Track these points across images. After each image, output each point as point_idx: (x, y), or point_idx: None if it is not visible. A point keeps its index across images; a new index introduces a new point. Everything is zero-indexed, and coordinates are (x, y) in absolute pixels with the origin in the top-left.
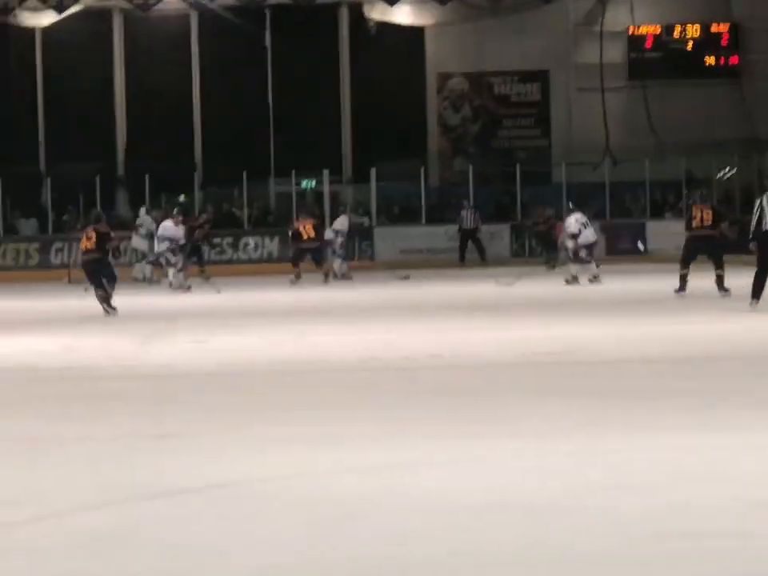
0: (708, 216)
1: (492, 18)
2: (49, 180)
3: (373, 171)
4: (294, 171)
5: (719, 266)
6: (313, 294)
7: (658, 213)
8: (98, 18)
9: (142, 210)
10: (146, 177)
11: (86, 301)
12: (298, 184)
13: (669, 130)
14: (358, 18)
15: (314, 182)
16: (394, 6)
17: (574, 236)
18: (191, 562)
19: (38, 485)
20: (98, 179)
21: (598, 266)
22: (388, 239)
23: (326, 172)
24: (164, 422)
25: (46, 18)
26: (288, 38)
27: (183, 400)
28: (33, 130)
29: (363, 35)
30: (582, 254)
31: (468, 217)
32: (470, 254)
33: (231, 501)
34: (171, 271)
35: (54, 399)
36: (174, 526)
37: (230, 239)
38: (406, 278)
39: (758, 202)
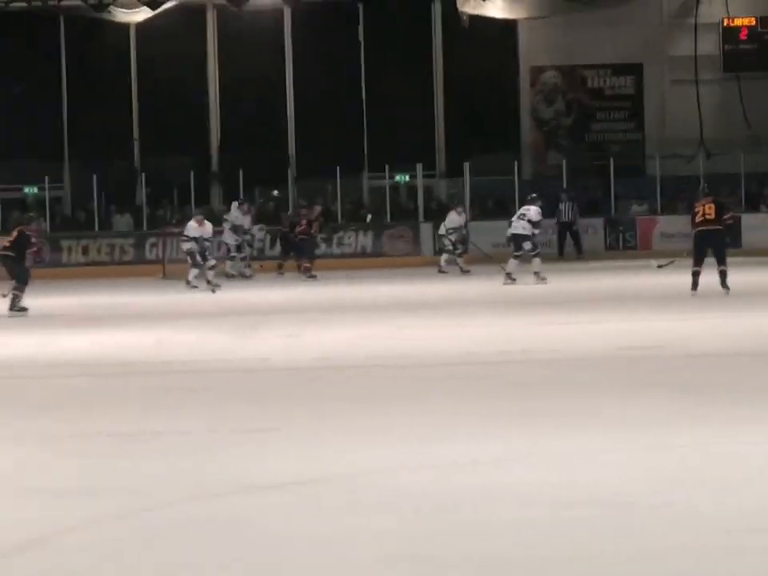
0: (711, 210)
1: (585, 10)
2: (143, 176)
3: (466, 165)
4: (387, 166)
5: (722, 261)
6: (408, 287)
7: (753, 205)
8: (191, 14)
9: (234, 205)
10: (240, 172)
11: (181, 296)
12: (392, 178)
13: (763, 122)
14: (450, 12)
15: (407, 177)
16: None
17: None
18: (293, 554)
19: (138, 478)
20: (192, 174)
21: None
22: (482, 233)
23: (419, 166)
24: (260, 415)
25: (141, 14)
26: (381, 32)
27: (279, 394)
28: (127, 126)
29: (456, 29)
30: None
31: (566, 210)
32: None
33: (330, 493)
34: (193, 272)
35: (150, 393)
36: (274, 517)
37: (323, 234)
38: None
39: None
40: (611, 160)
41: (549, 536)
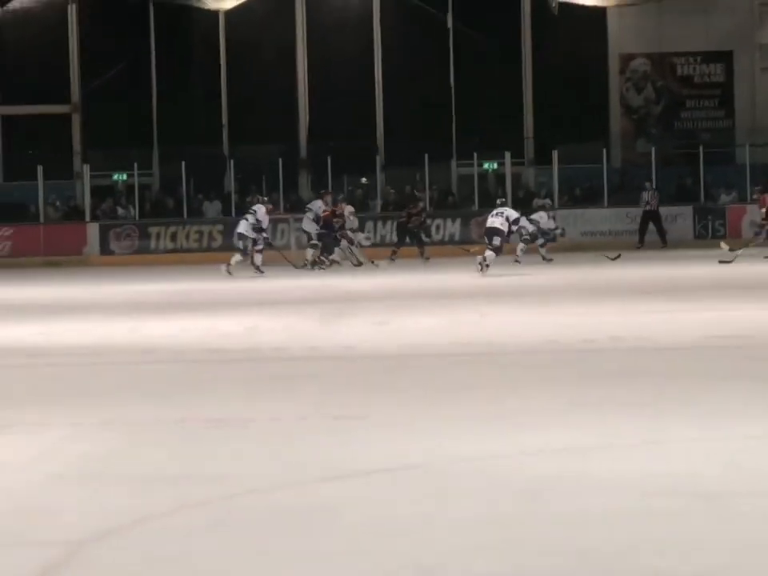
0: None
1: None
2: (232, 162)
3: (555, 153)
4: (475, 153)
5: None
6: (494, 277)
7: None
8: (280, 1)
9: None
10: (328, 159)
11: (269, 282)
12: (480, 166)
13: None
14: None
15: (495, 165)
16: None
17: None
18: (385, 542)
19: (229, 464)
20: (280, 161)
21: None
22: (570, 221)
23: (507, 154)
24: (348, 403)
25: (229, 1)
26: (470, 19)
27: (367, 381)
28: (216, 112)
29: (545, 16)
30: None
31: (650, 198)
32: (650, 236)
33: (421, 481)
34: (236, 256)
35: (240, 380)
36: (365, 505)
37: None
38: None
39: None
40: (701, 148)
41: (638, 526)
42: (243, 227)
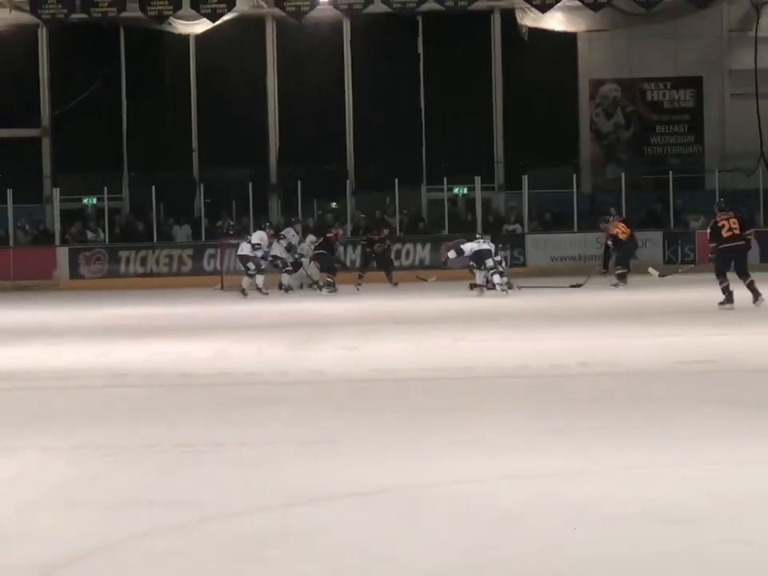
0: (736, 225)
1: (645, 23)
2: (202, 186)
3: (525, 178)
4: (445, 178)
5: (747, 274)
6: (462, 301)
7: None
8: (251, 26)
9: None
10: (299, 183)
11: (239, 306)
12: (450, 191)
13: None
14: (510, 24)
15: (465, 189)
16: (546, 12)
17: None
18: (357, 566)
19: (196, 489)
20: (250, 185)
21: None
22: (540, 246)
23: (477, 179)
24: (319, 427)
25: (200, 26)
26: (440, 44)
27: (338, 405)
28: (186, 136)
29: (515, 42)
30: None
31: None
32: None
33: (390, 505)
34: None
35: (208, 405)
36: (337, 529)
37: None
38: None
39: None
40: (670, 173)
41: (610, 550)
42: (247, 249)
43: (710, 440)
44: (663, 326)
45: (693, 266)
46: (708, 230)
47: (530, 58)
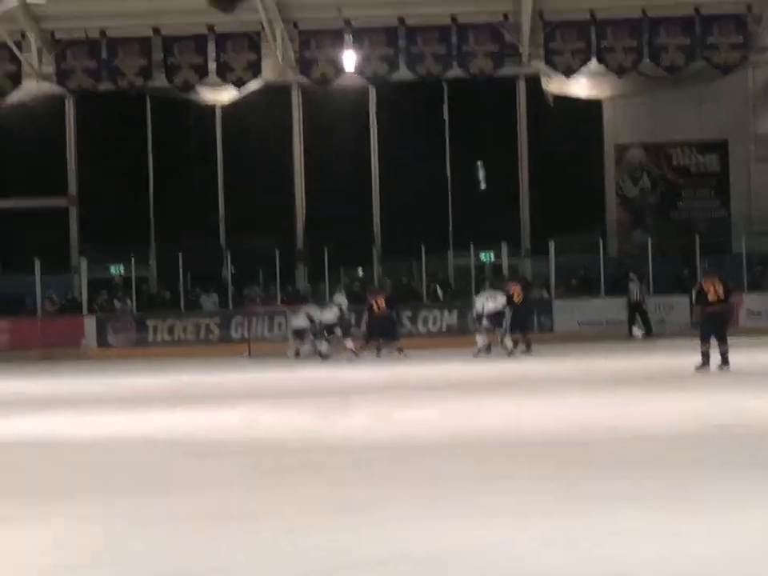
0: (720, 290)
1: (670, 88)
2: (229, 254)
3: (551, 244)
4: (472, 244)
5: (726, 341)
6: (490, 366)
7: None
8: (277, 94)
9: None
10: (325, 250)
11: (267, 374)
12: (477, 257)
13: None
14: (535, 90)
15: (492, 255)
16: (571, 78)
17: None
18: None
19: (231, 558)
20: (277, 253)
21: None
22: (566, 311)
23: (504, 245)
24: (350, 494)
25: (226, 95)
26: (466, 111)
27: (368, 473)
28: (213, 204)
29: (540, 107)
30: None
31: (635, 289)
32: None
33: (419, 572)
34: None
35: (238, 473)
36: None
37: (408, 312)
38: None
39: None
40: (697, 238)
41: None
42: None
43: (741, 503)
44: (686, 391)
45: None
46: (694, 294)
47: (556, 124)
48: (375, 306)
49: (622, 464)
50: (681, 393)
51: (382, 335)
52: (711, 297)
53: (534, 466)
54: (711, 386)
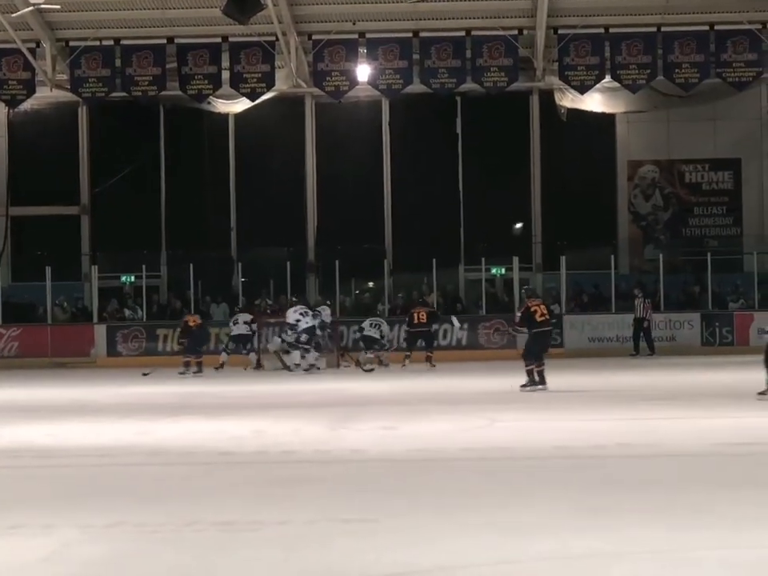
0: (545, 310)
1: (683, 105)
2: (240, 265)
3: (563, 259)
4: (483, 258)
5: (543, 359)
6: (501, 380)
7: None
8: (290, 105)
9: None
10: (336, 262)
11: (277, 386)
12: (488, 271)
13: None
14: (548, 105)
15: (503, 270)
16: (585, 93)
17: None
18: None
19: (238, 568)
20: (288, 264)
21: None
22: (577, 327)
23: (515, 259)
24: (358, 506)
25: (239, 105)
26: (479, 124)
27: (377, 485)
28: (225, 214)
29: (554, 122)
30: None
31: (640, 306)
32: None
33: None
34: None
35: (247, 483)
36: None
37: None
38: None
39: None
40: (708, 255)
41: None
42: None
43: (752, 523)
44: (698, 409)
45: None
46: (519, 315)
47: (569, 139)
48: (416, 319)
49: (632, 481)
50: (692, 410)
51: (418, 345)
52: (539, 317)
53: (543, 481)
54: (721, 404)
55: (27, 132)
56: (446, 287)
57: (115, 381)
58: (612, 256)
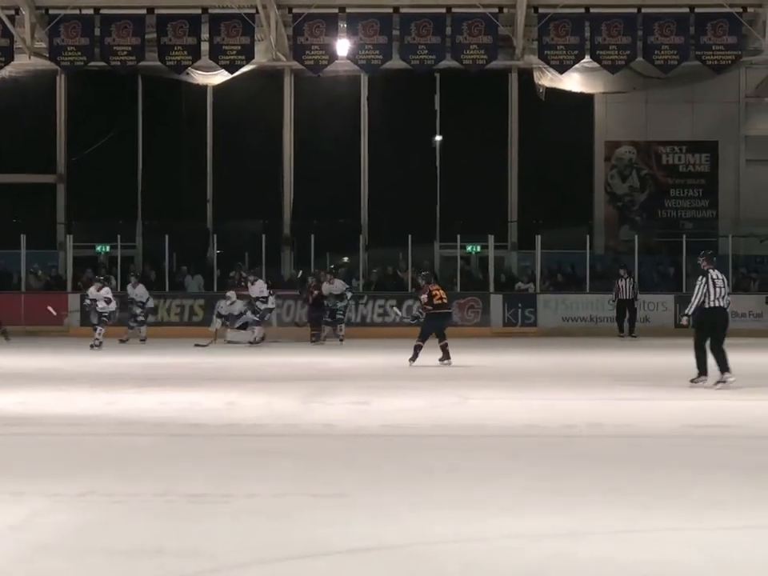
0: (443, 294)
1: (662, 87)
2: (215, 237)
3: (538, 238)
4: (459, 236)
5: (445, 336)
6: (473, 358)
7: None
8: (269, 78)
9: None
10: (312, 236)
11: (250, 357)
12: (463, 248)
13: None
14: (527, 84)
15: (478, 247)
16: (564, 73)
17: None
18: None
19: (206, 540)
20: (263, 237)
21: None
22: (551, 306)
23: (491, 237)
24: (327, 481)
25: (218, 77)
26: (457, 101)
27: (347, 460)
28: (201, 186)
29: (532, 101)
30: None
31: (625, 286)
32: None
33: (394, 562)
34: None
35: (218, 455)
36: None
37: (393, 301)
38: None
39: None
40: (684, 237)
41: None
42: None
43: (718, 504)
44: (670, 390)
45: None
46: (424, 297)
47: (547, 118)
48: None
49: (599, 461)
50: (664, 392)
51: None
52: (437, 300)
53: (514, 459)
54: (693, 387)
55: (4, 99)
56: (421, 264)
57: (87, 351)
58: (587, 236)
